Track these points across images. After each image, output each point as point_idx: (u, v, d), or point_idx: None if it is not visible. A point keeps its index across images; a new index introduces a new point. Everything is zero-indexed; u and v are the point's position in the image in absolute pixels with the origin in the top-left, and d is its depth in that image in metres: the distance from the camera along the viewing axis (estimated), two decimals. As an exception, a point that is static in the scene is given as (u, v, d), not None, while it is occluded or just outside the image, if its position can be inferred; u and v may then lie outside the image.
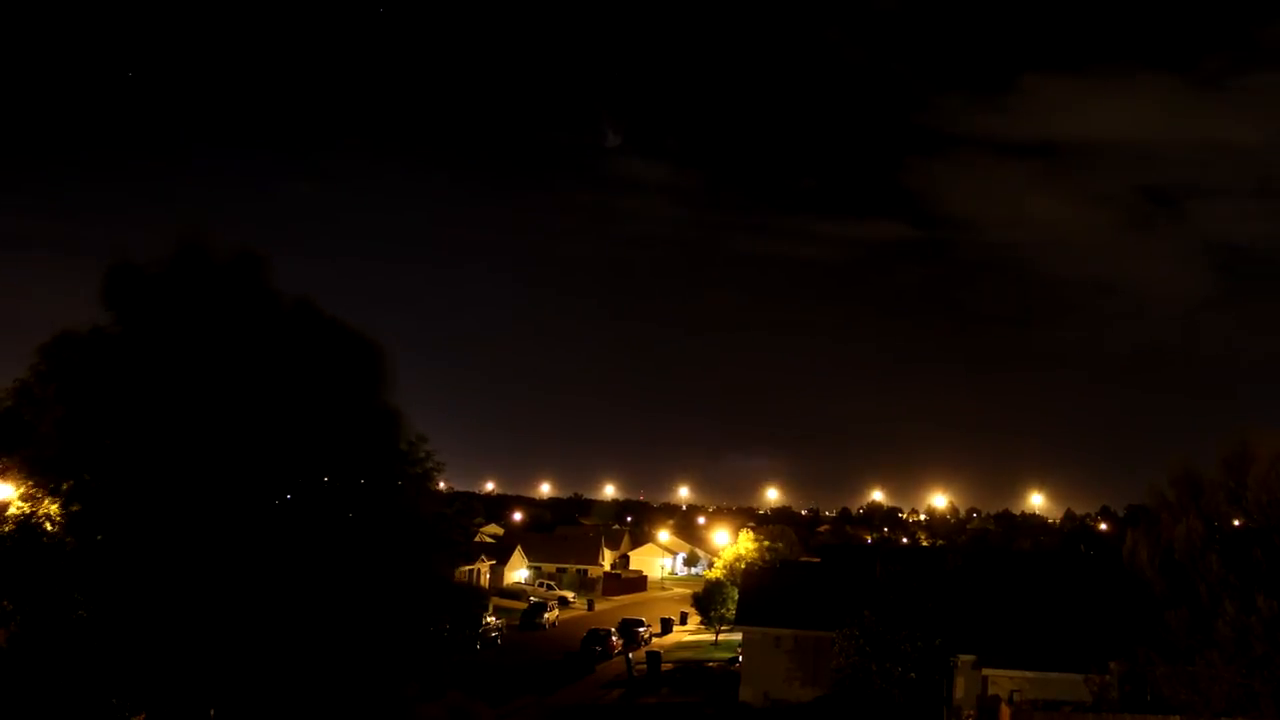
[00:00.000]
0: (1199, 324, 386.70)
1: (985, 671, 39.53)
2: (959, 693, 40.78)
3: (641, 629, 74.46)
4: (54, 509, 19.93)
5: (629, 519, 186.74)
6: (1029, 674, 38.48)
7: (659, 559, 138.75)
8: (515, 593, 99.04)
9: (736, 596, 63.99)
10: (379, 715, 21.61)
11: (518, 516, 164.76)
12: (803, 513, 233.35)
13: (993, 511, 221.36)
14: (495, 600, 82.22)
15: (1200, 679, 25.35)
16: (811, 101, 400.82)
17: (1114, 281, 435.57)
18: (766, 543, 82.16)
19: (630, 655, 61.46)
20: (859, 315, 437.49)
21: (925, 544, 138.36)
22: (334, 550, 20.73)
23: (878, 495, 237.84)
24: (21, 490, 20.31)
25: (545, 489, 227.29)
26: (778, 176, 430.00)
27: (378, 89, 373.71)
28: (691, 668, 63.05)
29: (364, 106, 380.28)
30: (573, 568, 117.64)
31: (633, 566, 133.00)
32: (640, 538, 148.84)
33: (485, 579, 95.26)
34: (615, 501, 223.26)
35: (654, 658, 61.47)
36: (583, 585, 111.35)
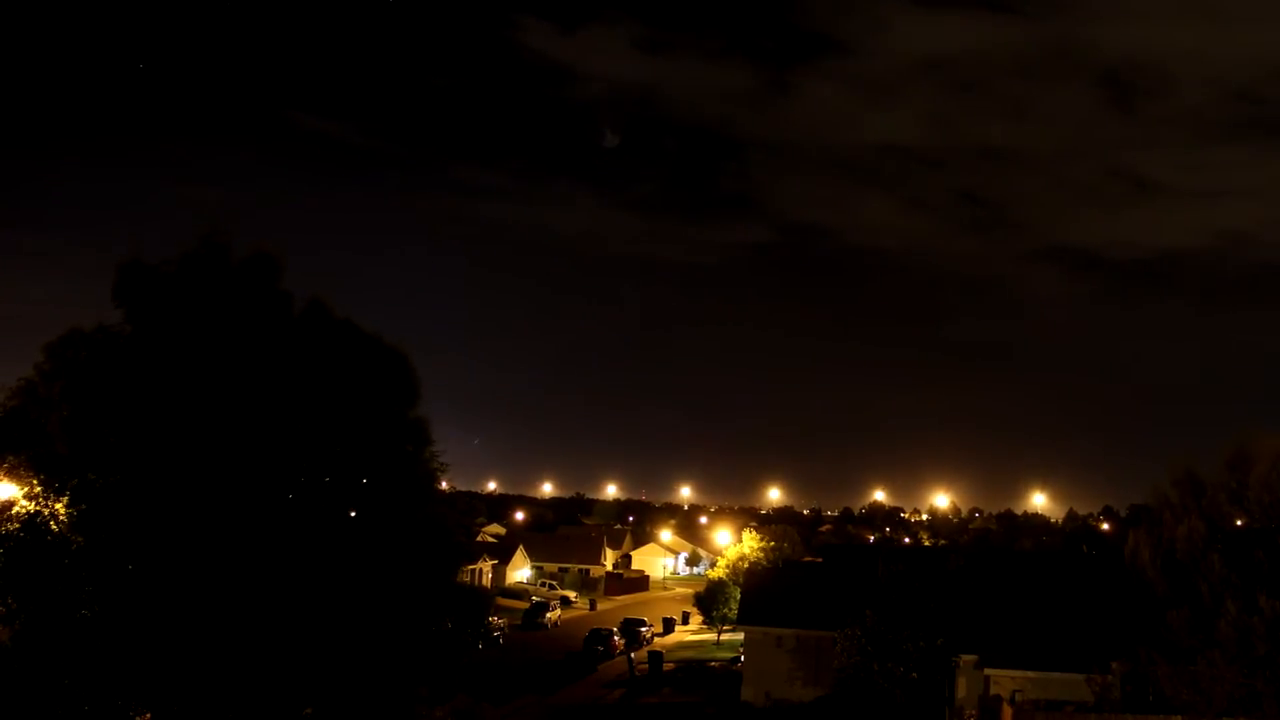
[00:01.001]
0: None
1: (987, 671, 39.55)
2: (961, 693, 40.81)
3: (643, 629, 74.51)
4: (60, 508, 19.96)
5: (631, 519, 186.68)
6: (1031, 674, 38.50)
7: (661, 559, 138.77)
8: (517, 592, 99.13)
9: (738, 596, 64.00)
10: (387, 717, 21.65)
11: (520, 516, 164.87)
12: (805, 512, 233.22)
13: (995, 511, 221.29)
14: (498, 600, 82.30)
15: (1202, 679, 25.39)
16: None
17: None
18: (769, 542, 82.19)
19: (632, 655, 61.54)
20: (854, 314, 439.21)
21: (927, 544, 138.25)
22: (342, 551, 20.77)
23: (880, 495, 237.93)
24: (27, 489, 20.34)
25: (547, 488, 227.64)
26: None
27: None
28: (693, 667, 63.09)
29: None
30: (575, 567, 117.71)
31: (635, 566, 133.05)
32: (642, 537, 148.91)
33: (488, 579, 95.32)
34: (617, 501, 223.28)
35: (656, 657, 61.52)
36: (585, 585, 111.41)
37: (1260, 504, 26.75)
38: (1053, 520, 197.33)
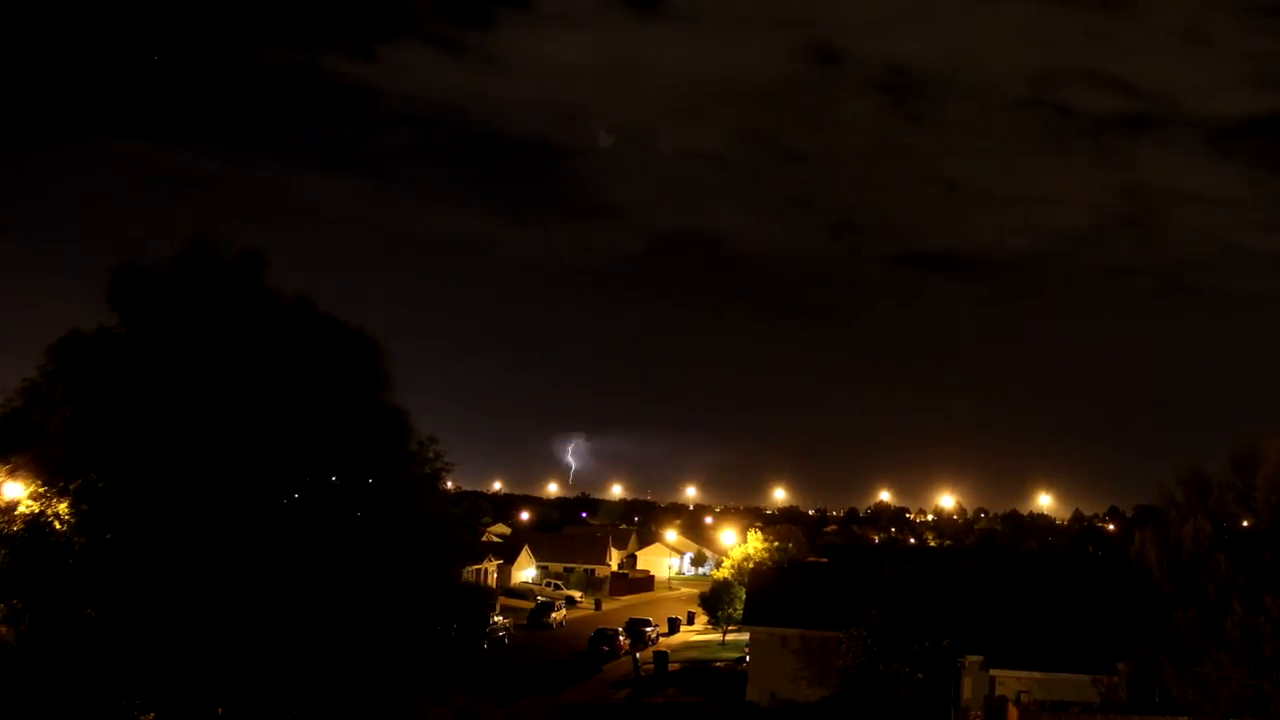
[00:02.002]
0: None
1: (993, 672, 39.47)
2: (966, 693, 40.73)
3: (649, 629, 74.47)
4: (63, 508, 19.99)
5: (636, 519, 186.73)
6: (1037, 675, 38.41)
7: (666, 559, 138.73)
8: (522, 592, 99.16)
9: (743, 596, 63.93)
10: (387, 716, 21.63)
11: (525, 516, 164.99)
12: (810, 513, 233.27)
13: (1000, 512, 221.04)
14: (502, 600, 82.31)
15: (1208, 680, 25.29)
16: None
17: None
18: (774, 543, 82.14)
19: (637, 655, 61.49)
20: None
21: (933, 544, 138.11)
22: (342, 550, 20.76)
23: (885, 495, 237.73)
24: (30, 489, 20.37)
25: (553, 488, 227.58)
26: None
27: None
28: (698, 667, 63.03)
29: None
30: (580, 567, 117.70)
31: (640, 566, 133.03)
32: (647, 537, 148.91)
33: (492, 578, 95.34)
34: (623, 501, 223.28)
35: (661, 657, 61.46)
36: (590, 585, 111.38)
37: (1267, 504, 26.64)
38: (1058, 521, 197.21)
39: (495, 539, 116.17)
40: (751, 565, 72.95)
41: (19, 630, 20.07)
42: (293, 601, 20.02)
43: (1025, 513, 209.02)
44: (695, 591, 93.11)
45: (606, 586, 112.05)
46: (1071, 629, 39.24)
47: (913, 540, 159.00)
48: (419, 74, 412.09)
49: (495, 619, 63.92)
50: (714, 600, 76.43)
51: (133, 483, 19.92)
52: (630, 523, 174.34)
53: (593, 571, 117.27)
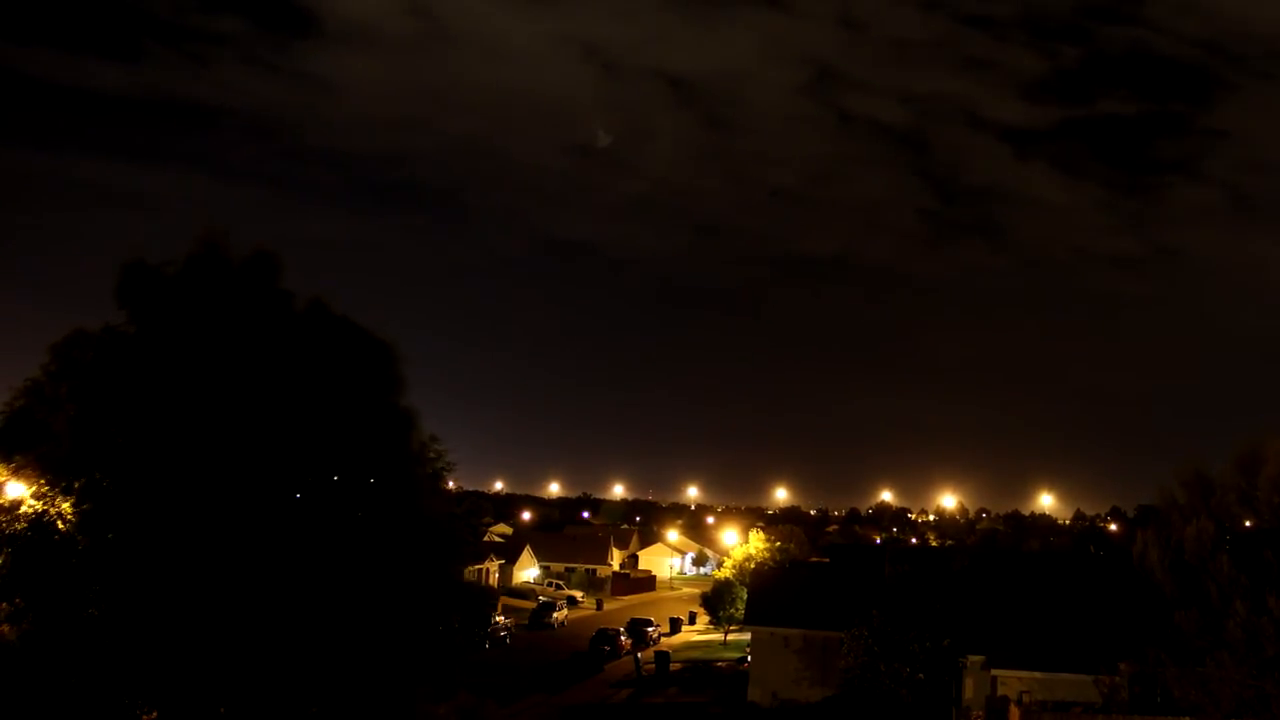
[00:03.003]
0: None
1: (994, 672, 39.46)
2: (968, 693, 40.73)
3: (650, 629, 74.50)
4: (66, 507, 19.99)
5: (638, 518, 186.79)
6: (1038, 675, 38.40)
7: (668, 559, 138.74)
8: (524, 592, 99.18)
9: (745, 596, 63.94)
10: (390, 715, 21.65)
11: (526, 516, 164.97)
12: (811, 513, 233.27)
13: (1002, 512, 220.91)
14: (504, 599, 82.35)
15: (1211, 680, 25.27)
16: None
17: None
18: (776, 543, 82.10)
19: (639, 655, 61.50)
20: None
21: (934, 544, 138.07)
22: (346, 550, 20.77)
23: (886, 495, 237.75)
24: (34, 489, 20.37)
25: (554, 488, 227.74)
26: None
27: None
28: (700, 667, 63.05)
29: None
30: (581, 567, 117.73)
31: (641, 566, 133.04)
32: (649, 537, 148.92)
33: (494, 578, 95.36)
34: (624, 501, 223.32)
35: (662, 657, 61.46)
36: (591, 585, 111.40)
37: (1270, 505, 26.62)
38: (1060, 521, 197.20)
39: (497, 539, 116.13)
40: (753, 565, 72.92)
41: (22, 629, 20.08)
42: (298, 601, 20.03)
43: (1027, 513, 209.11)
44: (697, 591, 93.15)
45: (608, 586, 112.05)
46: (1073, 629, 39.22)
47: (914, 540, 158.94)
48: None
49: (497, 619, 63.94)
50: (715, 600, 76.41)
51: (137, 482, 19.93)
52: (632, 522, 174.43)
53: (594, 571, 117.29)
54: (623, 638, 67.27)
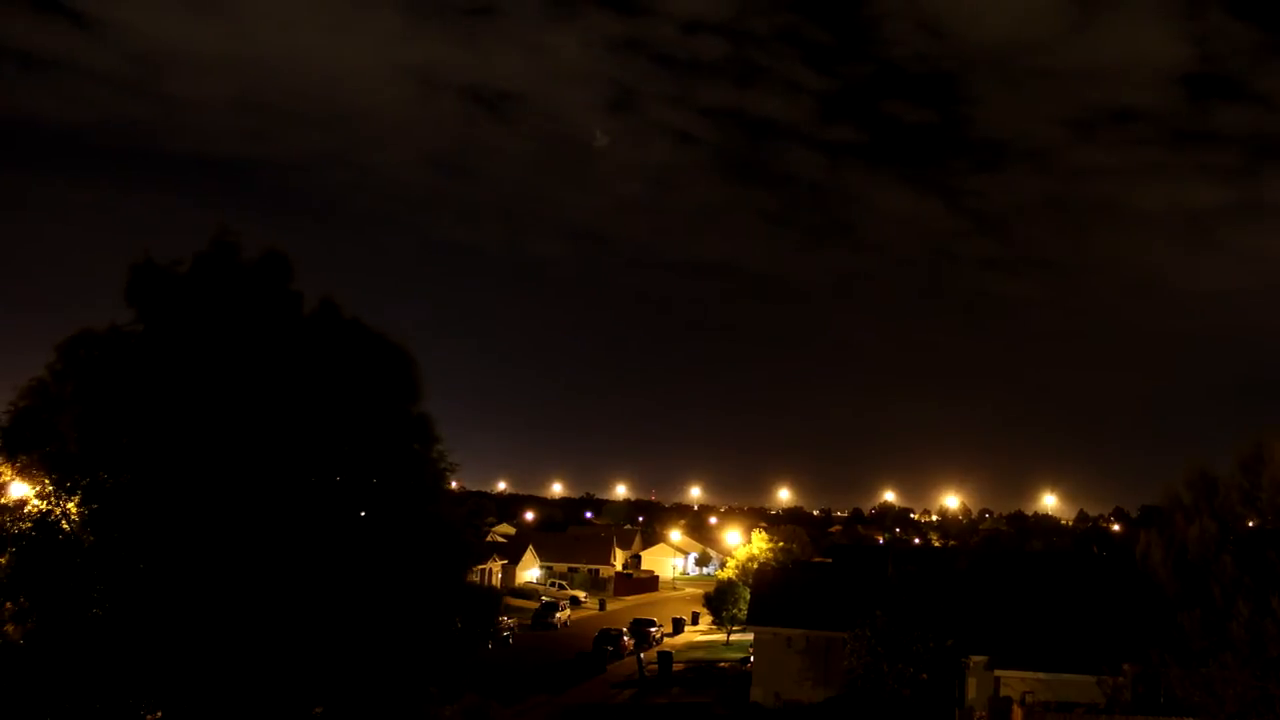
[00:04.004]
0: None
1: (997, 672, 39.44)
2: (971, 694, 40.71)
3: (653, 629, 74.55)
4: (72, 507, 20.00)
5: (641, 519, 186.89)
6: (1041, 675, 38.38)
7: (671, 559, 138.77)
8: (527, 592, 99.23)
9: (748, 597, 63.97)
10: (400, 716, 21.66)
11: (529, 516, 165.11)
12: (814, 513, 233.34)
13: (1005, 512, 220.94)
14: (507, 599, 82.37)
15: (1214, 681, 25.24)
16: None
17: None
18: (779, 543, 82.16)
19: (642, 655, 61.54)
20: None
21: (937, 545, 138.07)
22: (354, 552, 20.78)
23: (890, 496, 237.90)
24: (39, 488, 20.39)
25: (557, 488, 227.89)
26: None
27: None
28: (703, 668, 63.09)
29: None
30: (584, 567, 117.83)
31: (644, 566, 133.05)
32: (652, 537, 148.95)
33: (497, 578, 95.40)
34: (627, 501, 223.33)
35: (665, 657, 61.51)
36: (594, 585, 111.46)
37: (1274, 505, 26.60)
38: (1063, 521, 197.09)
39: (500, 539, 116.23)
40: (756, 566, 73.00)
41: (26, 629, 20.09)
42: (303, 602, 20.04)
43: (1030, 513, 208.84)
44: (700, 592, 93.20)
45: (611, 587, 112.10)
46: (1076, 630, 39.19)
47: (917, 541, 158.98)
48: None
49: (500, 619, 63.98)
50: (718, 600, 76.47)
51: (143, 482, 19.95)
52: (635, 523, 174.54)
53: (597, 572, 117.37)
54: (626, 638, 67.31)
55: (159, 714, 20.58)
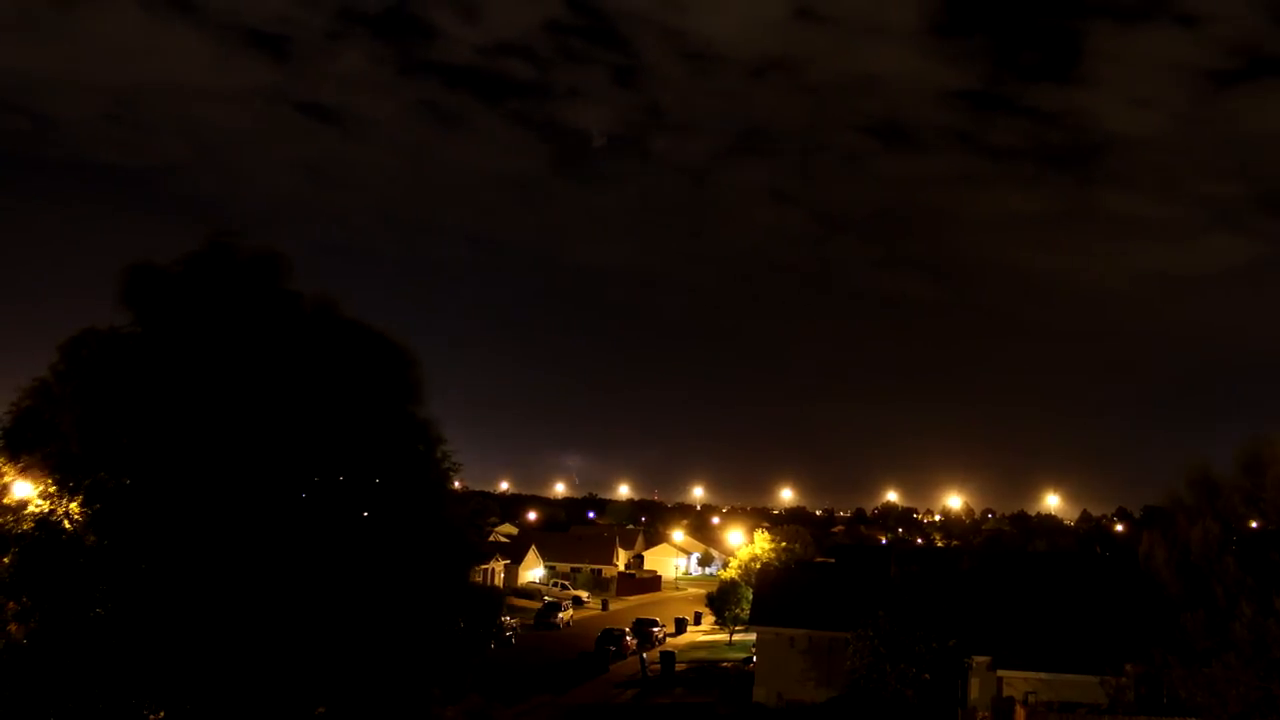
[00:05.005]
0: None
1: (1000, 673, 39.44)
2: (974, 694, 40.70)
3: (656, 629, 74.55)
4: (74, 507, 20.01)
5: (643, 519, 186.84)
6: (1044, 675, 38.38)
7: (673, 559, 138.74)
8: (530, 592, 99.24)
9: (751, 597, 63.96)
10: (404, 717, 21.66)
11: (532, 516, 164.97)
12: (817, 513, 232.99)
13: (1008, 513, 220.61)
14: (510, 599, 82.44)
15: (1217, 682, 25.23)
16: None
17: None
18: (781, 543, 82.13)
19: (644, 655, 61.55)
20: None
21: (940, 545, 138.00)
22: (357, 552, 20.78)
23: (892, 496, 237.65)
24: (41, 488, 20.41)
25: (560, 488, 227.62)
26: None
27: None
28: (705, 668, 63.08)
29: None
30: (587, 567, 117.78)
31: (647, 566, 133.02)
32: (654, 537, 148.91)
33: (500, 578, 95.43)
34: (630, 501, 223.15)
35: (668, 658, 61.51)
36: (597, 585, 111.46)
37: (1276, 506, 26.60)
38: (1066, 521, 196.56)
39: (502, 539, 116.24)
40: (758, 566, 73.00)
41: (29, 629, 20.11)
42: (306, 602, 20.04)
43: (1033, 513, 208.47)
44: (702, 592, 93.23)
45: (613, 586, 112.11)
46: (1079, 630, 39.18)
47: (920, 541, 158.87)
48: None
49: (503, 619, 64.00)
50: (721, 601, 76.49)
51: (144, 482, 19.97)
52: (637, 523, 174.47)
53: (600, 571, 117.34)
54: (628, 638, 67.34)
55: (161, 714, 20.58)
